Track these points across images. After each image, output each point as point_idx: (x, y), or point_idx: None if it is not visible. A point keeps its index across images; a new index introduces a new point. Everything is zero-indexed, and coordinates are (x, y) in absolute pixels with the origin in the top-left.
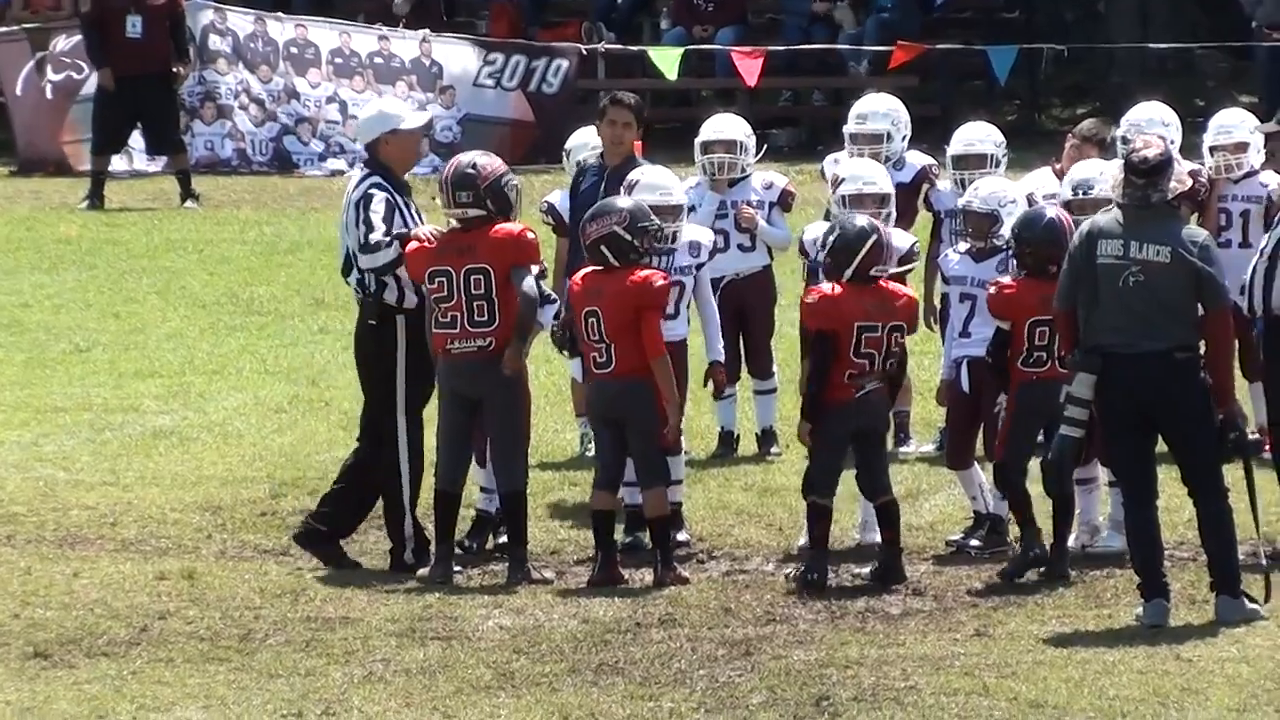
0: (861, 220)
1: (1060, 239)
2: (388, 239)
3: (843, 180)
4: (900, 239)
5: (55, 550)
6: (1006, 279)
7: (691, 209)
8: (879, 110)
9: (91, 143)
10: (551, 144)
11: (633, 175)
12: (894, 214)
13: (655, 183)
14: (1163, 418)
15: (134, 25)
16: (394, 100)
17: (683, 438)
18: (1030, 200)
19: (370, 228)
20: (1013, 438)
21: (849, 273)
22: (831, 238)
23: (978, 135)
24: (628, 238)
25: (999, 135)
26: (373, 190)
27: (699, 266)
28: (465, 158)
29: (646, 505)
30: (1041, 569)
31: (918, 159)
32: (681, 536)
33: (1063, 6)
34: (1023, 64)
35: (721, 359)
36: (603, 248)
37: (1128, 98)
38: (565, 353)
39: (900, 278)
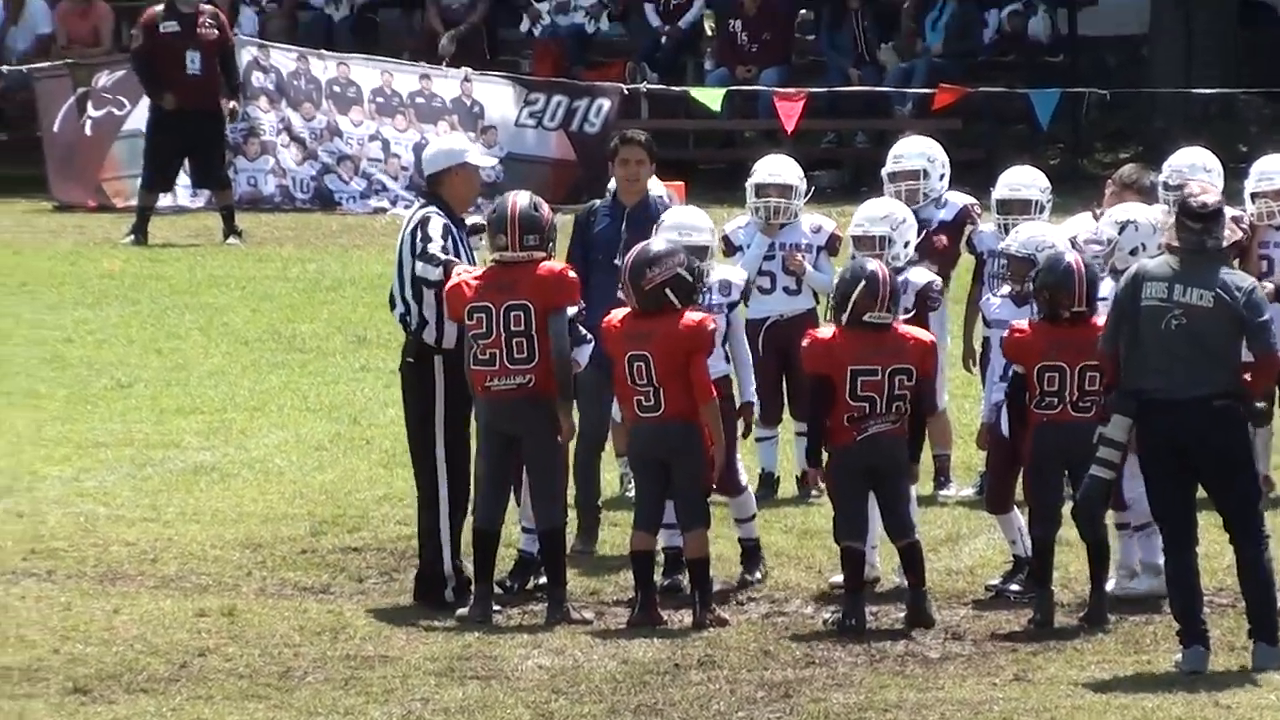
0: (870, 264)
1: (1072, 285)
2: (443, 256)
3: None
4: (918, 275)
5: (96, 586)
6: (1022, 323)
7: (739, 249)
8: (914, 150)
9: (143, 178)
10: (593, 183)
11: (664, 216)
12: (903, 255)
13: (681, 222)
14: (1202, 463)
15: (193, 61)
16: (461, 137)
17: (743, 473)
18: (1073, 245)
19: (429, 239)
20: (1032, 481)
21: (845, 316)
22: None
23: (1023, 180)
24: (690, 279)
25: (1044, 181)
26: (431, 215)
27: (730, 306)
28: (523, 198)
29: (687, 547)
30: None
31: (960, 198)
32: (757, 575)
33: (1106, 51)
34: (1065, 108)
35: (754, 401)
36: (667, 290)
37: (1170, 143)
38: None
39: (922, 317)
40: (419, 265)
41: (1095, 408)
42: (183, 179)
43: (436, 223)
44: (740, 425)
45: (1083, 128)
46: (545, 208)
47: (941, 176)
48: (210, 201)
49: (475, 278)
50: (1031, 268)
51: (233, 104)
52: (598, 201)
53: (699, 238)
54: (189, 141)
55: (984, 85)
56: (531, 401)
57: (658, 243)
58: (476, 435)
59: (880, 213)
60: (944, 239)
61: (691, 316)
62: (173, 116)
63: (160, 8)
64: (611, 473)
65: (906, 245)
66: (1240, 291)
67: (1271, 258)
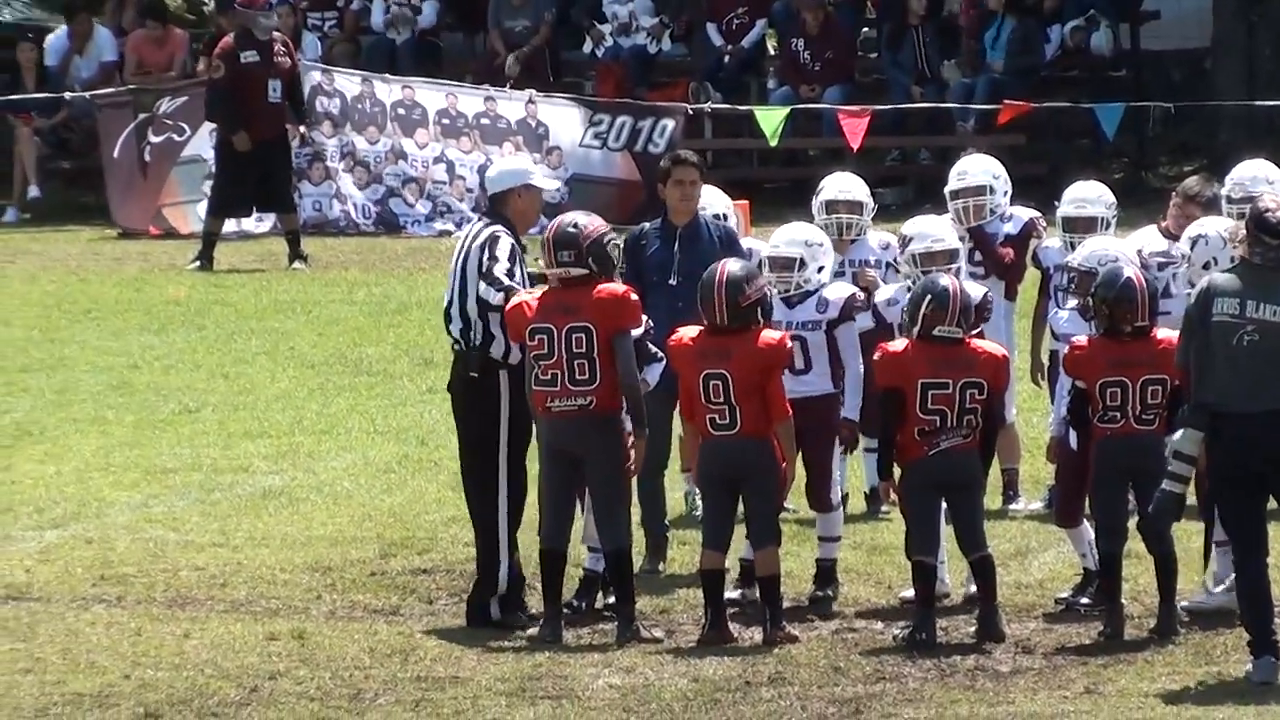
0: (943, 279)
1: (1132, 299)
2: (507, 280)
3: (911, 239)
4: (971, 290)
5: (165, 611)
6: (1082, 339)
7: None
8: (978, 167)
9: (210, 204)
10: (658, 203)
11: (777, 232)
12: (815, 279)
13: (776, 236)
14: (1273, 476)
15: (274, 90)
16: (525, 158)
17: (837, 493)
18: (1140, 259)
19: (495, 260)
20: (1097, 496)
21: (915, 330)
22: (905, 297)
23: (1088, 196)
24: (769, 298)
25: (1110, 196)
26: (500, 234)
27: (830, 324)
28: (567, 218)
29: (758, 564)
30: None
31: (1025, 212)
32: (829, 592)
33: (1169, 65)
34: (1129, 122)
35: (856, 418)
36: (759, 309)
37: (1234, 156)
38: None
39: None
40: (482, 286)
41: (1158, 420)
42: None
43: (505, 243)
44: (842, 443)
45: (1147, 141)
46: (591, 225)
47: (1005, 193)
48: (276, 227)
49: (535, 299)
50: (1093, 280)
51: (301, 129)
52: (647, 224)
53: (788, 250)
54: (259, 168)
55: (1047, 101)
56: (593, 422)
57: (736, 262)
58: (539, 456)
59: (798, 236)
60: (1010, 252)
61: (770, 334)
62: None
63: (232, 35)
64: (676, 492)
65: (821, 270)
66: None
67: None
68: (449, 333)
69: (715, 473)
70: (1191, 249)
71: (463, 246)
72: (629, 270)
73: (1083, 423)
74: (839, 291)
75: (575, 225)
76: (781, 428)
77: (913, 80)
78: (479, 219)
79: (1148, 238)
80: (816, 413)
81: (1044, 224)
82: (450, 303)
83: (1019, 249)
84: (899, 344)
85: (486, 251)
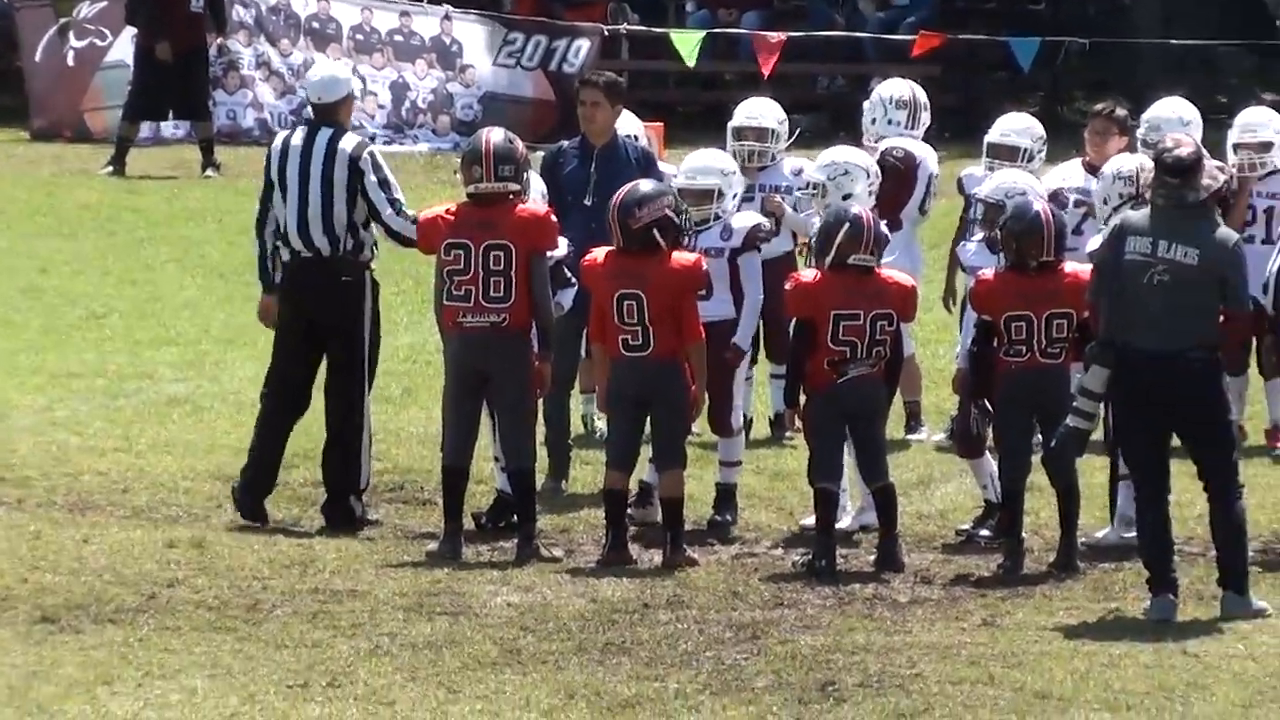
0: (855, 208)
1: (1036, 232)
2: (412, 211)
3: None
4: (743, 219)
5: (66, 515)
6: (988, 272)
7: None
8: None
9: (125, 108)
10: (572, 124)
11: (688, 158)
12: (731, 207)
13: (692, 166)
14: (1178, 415)
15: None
16: (342, 66)
17: (738, 417)
18: (1059, 194)
19: (387, 181)
20: (1002, 428)
21: (828, 259)
22: (817, 225)
23: (1015, 127)
24: (677, 220)
25: (1039, 130)
26: (370, 147)
27: (734, 251)
28: (497, 134)
29: (662, 486)
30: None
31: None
32: (728, 517)
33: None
34: (1046, 56)
35: (746, 347)
36: (655, 231)
37: (1151, 93)
38: None
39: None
40: (396, 221)
41: (1063, 354)
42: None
43: (379, 157)
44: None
45: (1063, 76)
46: (519, 142)
47: (890, 122)
48: (190, 134)
49: (450, 212)
50: (1001, 213)
51: (220, 40)
52: (566, 142)
53: (704, 180)
54: (177, 76)
55: (964, 32)
56: (503, 340)
57: (646, 183)
58: (445, 372)
59: (713, 165)
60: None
61: (684, 257)
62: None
63: None
64: (578, 411)
65: (735, 198)
66: (1224, 249)
67: (1254, 207)
68: (293, 244)
69: (626, 393)
70: (1111, 185)
71: (309, 154)
72: (547, 188)
73: (986, 357)
74: (744, 220)
75: (512, 141)
76: (694, 350)
77: (832, 8)
78: (307, 126)
79: (1069, 172)
80: (717, 338)
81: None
82: (303, 215)
83: (901, 181)
84: (810, 274)
85: (372, 171)
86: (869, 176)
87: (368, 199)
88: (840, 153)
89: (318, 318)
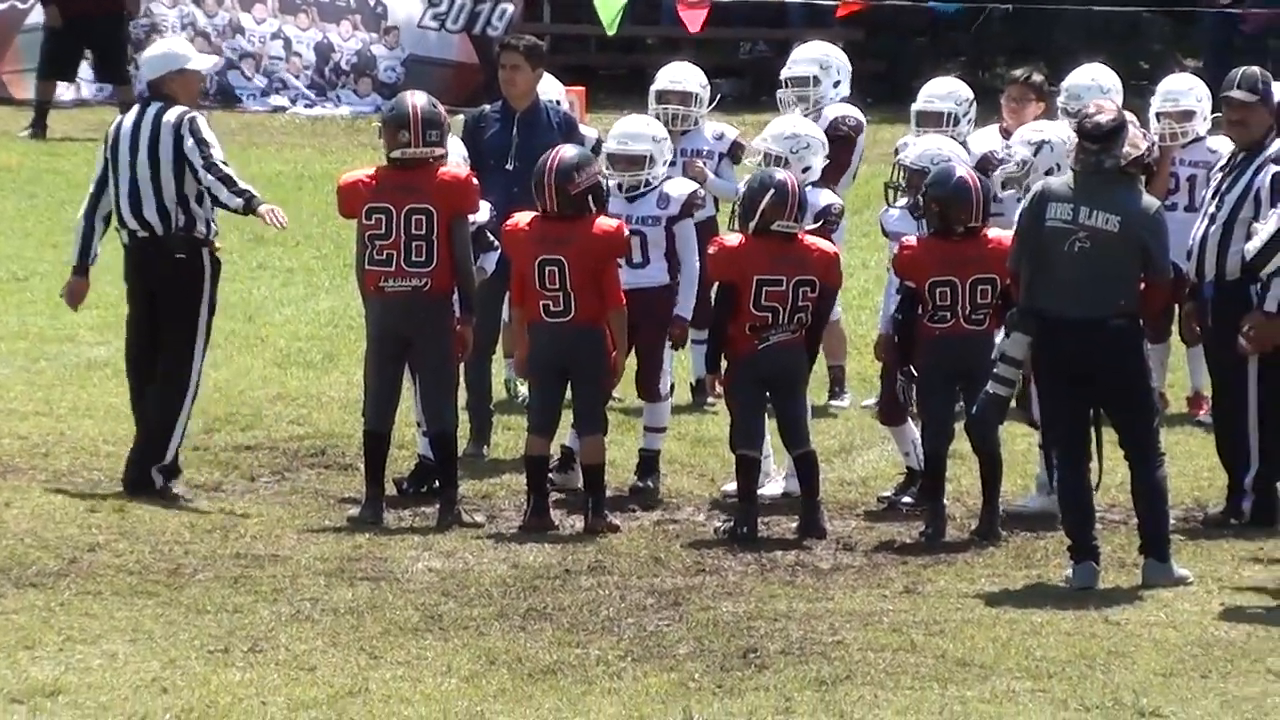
0: (779, 173)
1: (966, 199)
2: (244, 184)
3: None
4: (822, 198)
5: None
6: (911, 238)
7: None
8: (804, 56)
9: (38, 70)
10: (495, 87)
11: (617, 124)
12: (662, 173)
13: (624, 131)
14: (1100, 383)
15: None
16: (182, 40)
17: (666, 384)
18: (988, 159)
19: (208, 145)
20: (925, 395)
21: (752, 224)
22: (741, 190)
23: (939, 92)
24: (605, 187)
25: (964, 93)
26: (197, 115)
27: (670, 219)
28: (420, 98)
29: (584, 452)
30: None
31: (834, 110)
32: (649, 483)
33: None
34: (967, 20)
35: (688, 317)
36: (590, 197)
37: (1072, 59)
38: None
39: (824, 236)
40: (223, 193)
41: (987, 320)
42: (86, 72)
43: (202, 122)
44: (671, 341)
45: (985, 41)
46: (440, 106)
47: (836, 84)
48: (112, 95)
49: (370, 177)
50: (924, 179)
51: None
52: (487, 106)
53: (637, 146)
54: (89, 36)
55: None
56: (425, 303)
57: (574, 149)
58: (366, 337)
59: (644, 131)
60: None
61: (607, 222)
62: (72, 17)
63: None
64: (500, 377)
65: (665, 164)
66: (1145, 216)
67: (1177, 175)
68: (129, 224)
69: (546, 359)
70: (1035, 154)
71: (138, 133)
72: (468, 152)
73: (910, 324)
74: (681, 188)
75: (435, 105)
76: (615, 316)
77: None
78: (139, 105)
79: (988, 139)
80: (652, 304)
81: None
82: (134, 193)
83: (840, 151)
84: (734, 238)
85: (190, 134)
86: (824, 148)
87: (187, 161)
88: (794, 123)
89: (158, 297)
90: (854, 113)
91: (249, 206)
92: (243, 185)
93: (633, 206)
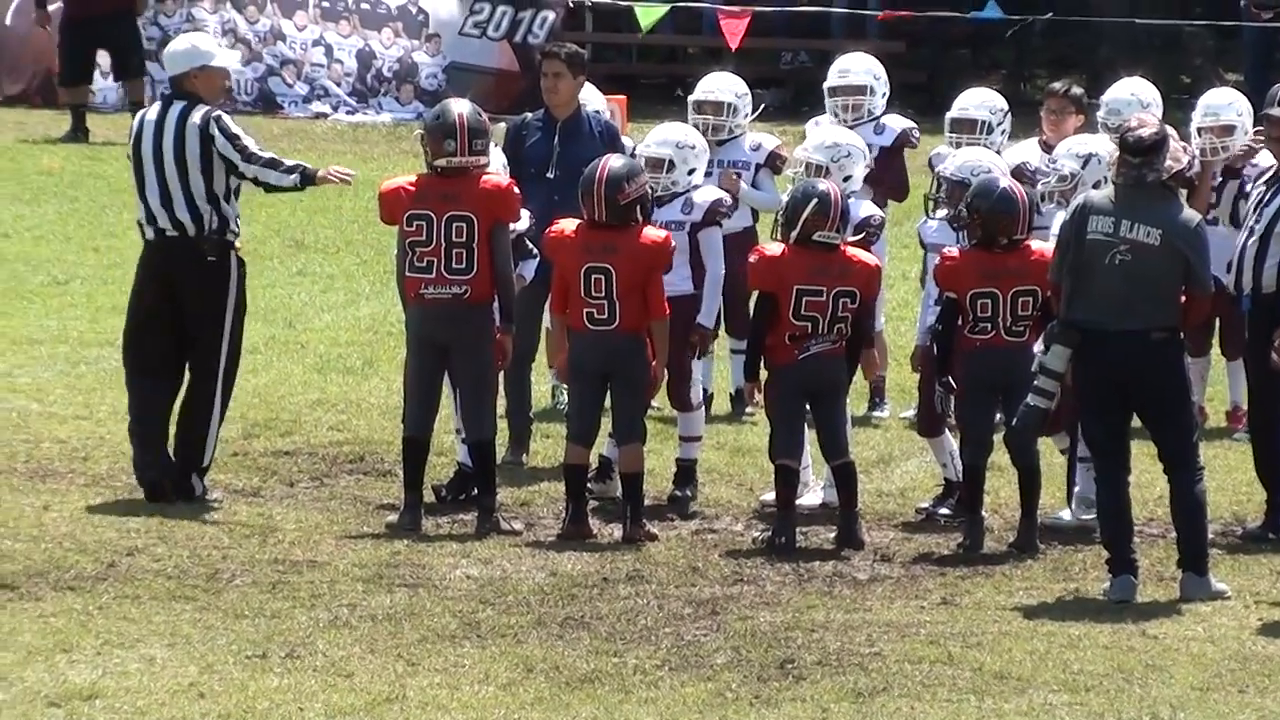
0: (823, 184)
1: (1011, 211)
2: (290, 160)
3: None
4: (863, 209)
5: (26, 482)
6: (953, 249)
7: None
8: (859, 66)
9: (59, 77)
10: (536, 95)
11: (655, 130)
12: (684, 182)
13: (650, 135)
14: (1139, 396)
15: None
16: (206, 36)
17: (697, 393)
18: (1022, 171)
19: (238, 138)
20: (964, 407)
21: (794, 234)
22: (784, 200)
23: (973, 101)
24: (650, 197)
25: (998, 102)
26: (217, 112)
27: (694, 225)
28: (465, 106)
29: (622, 460)
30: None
31: (898, 123)
32: (688, 493)
33: None
34: (1007, 28)
35: (710, 324)
36: (637, 207)
37: (1113, 73)
38: None
39: (865, 247)
40: (273, 176)
41: (1028, 332)
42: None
43: (227, 119)
44: (692, 350)
45: (1026, 54)
46: (484, 115)
47: (884, 95)
48: (123, 95)
49: (411, 184)
50: (965, 191)
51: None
52: (529, 115)
53: (657, 151)
54: (101, 36)
55: (928, 9)
56: (465, 311)
57: (620, 159)
58: (406, 343)
59: (670, 137)
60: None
61: (654, 233)
62: (84, 15)
63: None
64: (542, 385)
65: (692, 172)
66: (1186, 230)
67: (1218, 190)
68: (159, 222)
69: (588, 367)
70: (1083, 167)
71: (161, 131)
72: (509, 160)
73: (949, 335)
74: (706, 195)
75: (480, 113)
76: (658, 326)
77: None
78: (162, 101)
79: (1027, 152)
80: (676, 313)
81: (917, 135)
82: (165, 191)
83: (892, 160)
84: (775, 248)
85: (219, 133)
86: (865, 158)
87: (225, 159)
88: (837, 134)
89: (184, 299)
90: (912, 124)
91: (306, 179)
92: (290, 162)
93: (658, 212)
